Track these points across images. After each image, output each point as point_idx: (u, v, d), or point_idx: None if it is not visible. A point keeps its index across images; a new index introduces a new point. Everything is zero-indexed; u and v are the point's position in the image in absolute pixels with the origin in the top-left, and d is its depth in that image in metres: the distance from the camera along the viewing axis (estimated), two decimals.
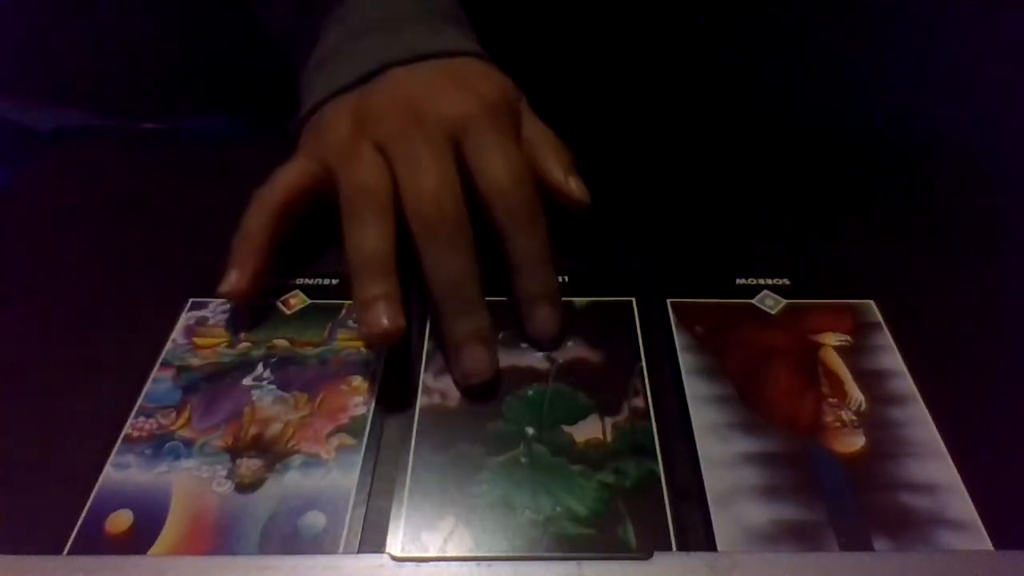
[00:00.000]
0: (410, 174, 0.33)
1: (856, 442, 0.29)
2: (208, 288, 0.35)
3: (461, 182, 0.33)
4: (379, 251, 0.32)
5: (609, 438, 0.30)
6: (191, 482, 0.28)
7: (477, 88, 0.36)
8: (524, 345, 0.33)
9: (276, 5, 0.41)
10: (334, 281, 0.36)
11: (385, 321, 0.30)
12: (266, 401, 0.31)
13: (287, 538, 0.27)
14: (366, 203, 0.33)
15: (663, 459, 0.29)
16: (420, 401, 0.31)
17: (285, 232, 0.36)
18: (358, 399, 0.31)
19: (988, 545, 0.26)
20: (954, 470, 0.28)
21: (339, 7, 0.39)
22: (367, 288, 0.31)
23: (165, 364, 0.33)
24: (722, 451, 0.29)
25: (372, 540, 0.27)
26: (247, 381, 0.32)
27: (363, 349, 0.33)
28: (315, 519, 0.27)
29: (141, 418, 0.30)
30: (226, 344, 0.33)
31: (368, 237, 0.32)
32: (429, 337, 0.34)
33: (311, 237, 0.37)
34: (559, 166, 0.35)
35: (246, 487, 0.28)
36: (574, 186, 0.35)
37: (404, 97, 0.36)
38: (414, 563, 0.25)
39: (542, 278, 0.33)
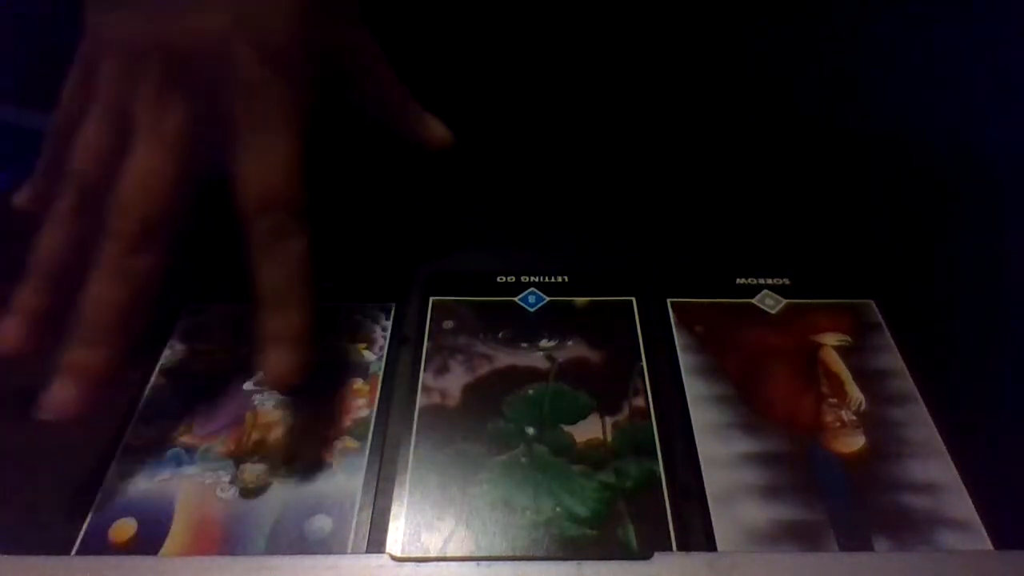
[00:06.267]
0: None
1: (856, 442, 0.29)
2: (205, 294, 0.35)
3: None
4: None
5: (609, 438, 0.30)
6: (195, 489, 0.28)
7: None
8: (524, 345, 0.33)
9: None
10: (329, 285, 0.36)
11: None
12: (268, 406, 0.31)
13: (294, 543, 0.27)
14: None
15: (663, 459, 0.29)
16: (420, 401, 0.31)
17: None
18: (360, 401, 0.31)
19: (988, 545, 0.26)
20: (954, 470, 0.28)
21: None
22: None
23: (164, 371, 0.33)
24: (722, 451, 0.29)
25: (379, 542, 0.27)
26: (247, 386, 0.32)
27: (364, 351, 0.33)
28: (321, 523, 0.27)
29: (141, 425, 0.30)
30: (225, 349, 0.33)
31: None
32: (429, 337, 0.34)
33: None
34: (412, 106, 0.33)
35: (251, 492, 0.28)
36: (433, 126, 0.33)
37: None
38: (414, 563, 0.25)
39: (285, 315, 0.29)
